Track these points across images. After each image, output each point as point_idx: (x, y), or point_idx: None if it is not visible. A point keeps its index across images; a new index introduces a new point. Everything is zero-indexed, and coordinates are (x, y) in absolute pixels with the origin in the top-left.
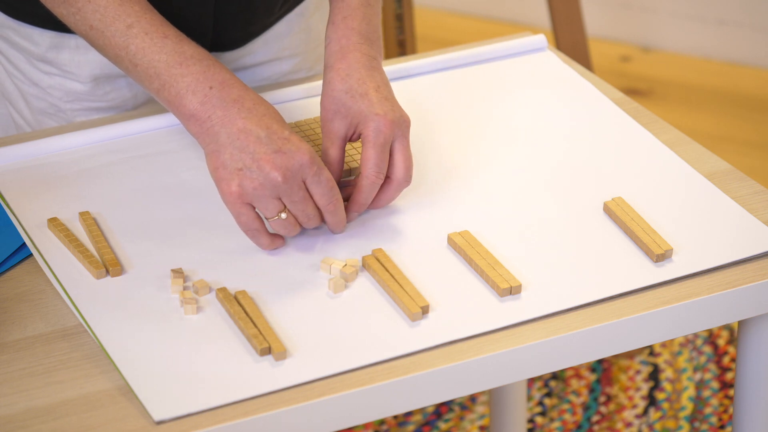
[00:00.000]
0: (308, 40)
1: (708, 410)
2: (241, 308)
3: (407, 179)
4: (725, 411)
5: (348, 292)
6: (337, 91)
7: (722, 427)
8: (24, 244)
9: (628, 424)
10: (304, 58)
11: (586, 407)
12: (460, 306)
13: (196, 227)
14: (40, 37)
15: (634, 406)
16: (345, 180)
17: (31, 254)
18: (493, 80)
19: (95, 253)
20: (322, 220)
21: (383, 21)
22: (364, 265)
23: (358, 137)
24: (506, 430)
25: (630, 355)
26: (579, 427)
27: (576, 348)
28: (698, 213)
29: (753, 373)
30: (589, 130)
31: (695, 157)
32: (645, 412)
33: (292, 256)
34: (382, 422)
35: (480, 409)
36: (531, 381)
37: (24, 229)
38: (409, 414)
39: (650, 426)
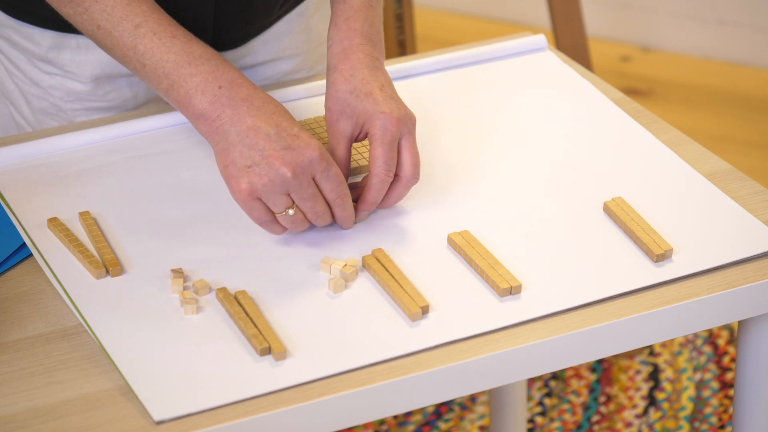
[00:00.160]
0: (308, 40)
1: (708, 410)
2: (241, 308)
3: (415, 176)
4: (725, 411)
5: (348, 292)
6: (342, 92)
7: (722, 427)
8: (24, 244)
9: (628, 424)
10: (304, 58)
11: (586, 407)
12: (460, 306)
13: (197, 227)
14: (41, 37)
15: (634, 406)
16: (353, 182)
17: (31, 254)
18: (493, 80)
19: (95, 253)
20: (332, 218)
21: (383, 21)
22: (364, 265)
23: (365, 136)
24: (506, 430)
25: (630, 355)
26: (579, 427)
27: (576, 348)
28: (698, 213)
29: (753, 373)
30: (589, 130)
31: (695, 157)
32: (645, 412)
33: (292, 256)
34: (382, 422)
35: (480, 409)
36: (531, 381)
37: (24, 229)
38: (409, 414)
39: (650, 426)
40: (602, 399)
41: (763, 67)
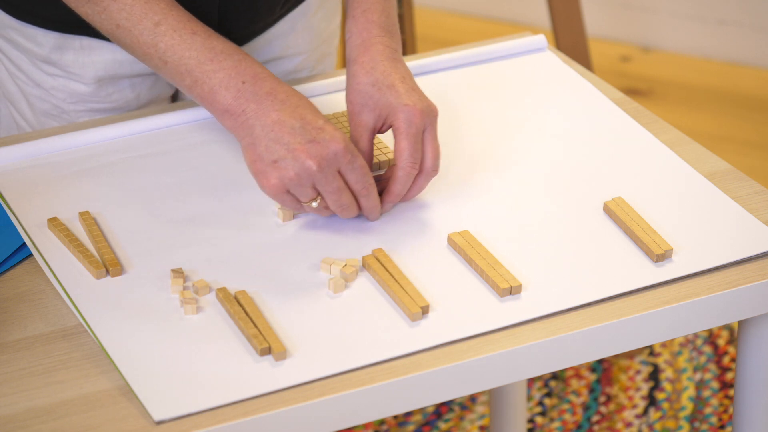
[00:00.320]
0: (311, 39)
1: (708, 410)
2: (241, 308)
3: (435, 169)
4: (725, 411)
5: (348, 292)
6: (363, 84)
7: (722, 427)
8: (24, 244)
9: (628, 424)
10: (306, 56)
11: (586, 407)
12: (460, 306)
13: (197, 227)
14: (44, 38)
15: (634, 406)
16: (376, 174)
17: (31, 254)
18: (493, 80)
19: (95, 253)
20: (358, 211)
21: None
22: (364, 265)
23: (387, 128)
24: (506, 430)
25: (630, 355)
26: (579, 427)
27: (576, 348)
28: (698, 213)
29: (753, 373)
30: (589, 130)
31: (695, 157)
32: (645, 412)
33: (292, 256)
34: (382, 422)
35: (480, 409)
36: (531, 381)
37: (24, 229)
38: (409, 414)
39: (650, 426)
40: (602, 399)
41: (763, 67)
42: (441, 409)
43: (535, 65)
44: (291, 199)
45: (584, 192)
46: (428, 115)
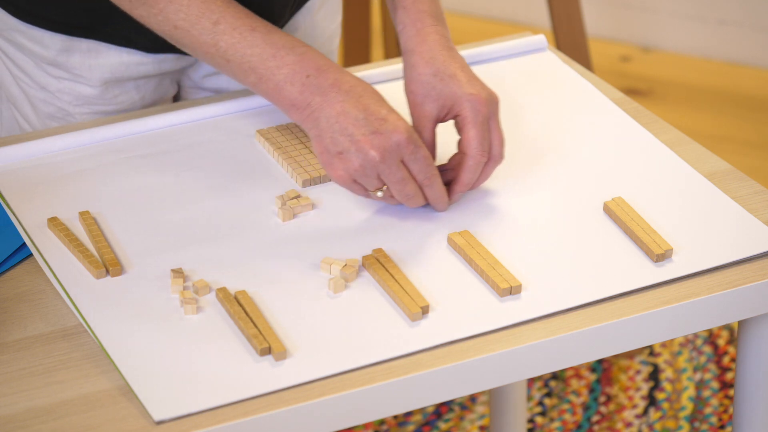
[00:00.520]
0: (314, 36)
1: (708, 410)
2: (241, 308)
3: (501, 156)
4: (725, 411)
5: (348, 292)
6: (425, 75)
7: (722, 427)
8: (24, 244)
9: (628, 424)
10: None
11: (586, 407)
12: (460, 306)
13: (197, 227)
14: (51, 41)
15: (634, 406)
16: (441, 164)
17: (31, 254)
18: (493, 80)
19: (95, 253)
20: (425, 200)
21: (383, 21)
22: (364, 265)
23: (451, 118)
24: (506, 430)
25: (630, 355)
26: (579, 427)
27: (576, 348)
28: (698, 213)
29: (753, 373)
30: (589, 130)
31: (695, 157)
32: (645, 412)
33: (292, 256)
34: (382, 422)
35: (480, 409)
36: (531, 381)
37: (24, 229)
38: (409, 414)
39: (650, 426)
40: (602, 399)
41: (763, 67)
42: (441, 409)
43: (535, 65)
44: (359, 188)
45: (584, 192)
46: (492, 103)
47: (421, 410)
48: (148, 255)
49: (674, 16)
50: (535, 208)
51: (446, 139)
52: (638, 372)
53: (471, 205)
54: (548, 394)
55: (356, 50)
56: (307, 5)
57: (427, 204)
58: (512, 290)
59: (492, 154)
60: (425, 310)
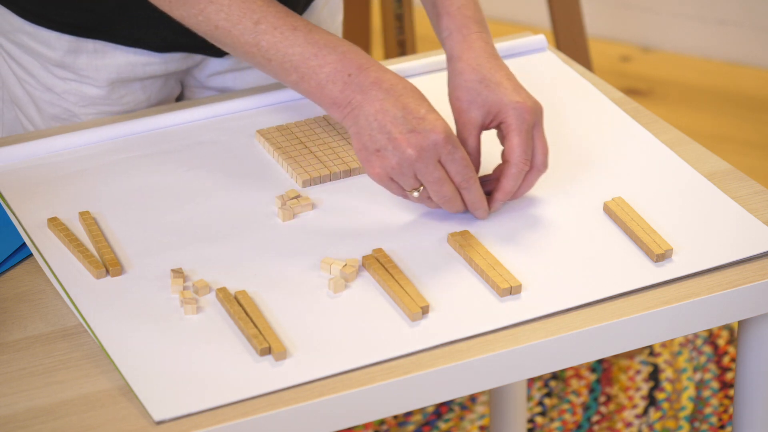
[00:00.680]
0: None
1: (708, 410)
2: (241, 308)
3: (545, 165)
4: (725, 411)
5: (348, 292)
6: (471, 82)
7: (722, 427)
8: (24, 244)
9: (628, 424)
10: None
11: (586, 407)
12: (460, 306)
13: (197, 227)
14: (58, 42)
15: (634, 406)
16: (484, 174)
17: (31, 254)
18: None
19: (95, 253)
20: (464, 206)
21: (383, 21)
22: (364, 265)
23: (495, 126)
24: (506, 430)
25: (630, 355)
26: (579, 427)
27: (576, 348)
28: (698, 213)
29: (753, 373)
30: (589, 130)
31: (695, 157)
32: (645, 412)
33: (292, 256)
34: (382, 422)
35: (480, 409)
36: (531, 381)
37: (24, 229)
38: (409, 414)
39: (650, 426)
40: (602, 399)
41: (763, 67)
42: (441, 409)
43: (535, 65)
44: (396, 187)
45: (584, 192)
46: (537, 112)
47: (421, 410)
48: (148, 255)
49: (674, 16)
50: (535, 208)
51: (490, 149)
52: (638, 372)
53: None
54: (548, 394)
55: None
56: (313, 4)
57: (465, 211)
58: (512, 290)
59: (535, 163)
60: (425, 310)
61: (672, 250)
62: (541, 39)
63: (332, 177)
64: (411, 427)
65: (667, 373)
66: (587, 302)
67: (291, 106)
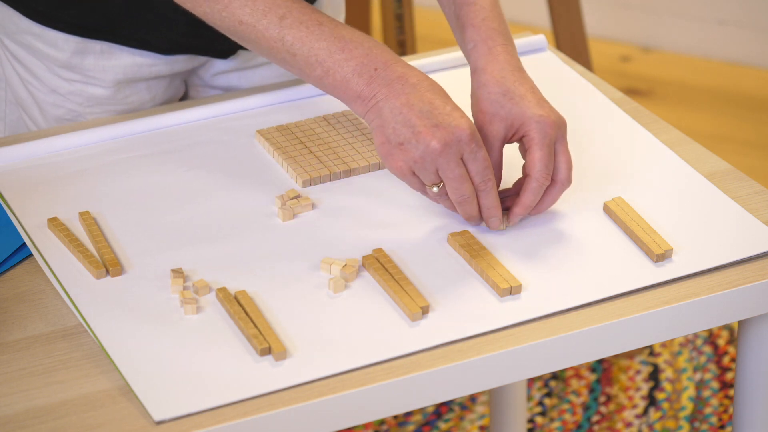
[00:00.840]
0: None
1: (708, 410)
2: (241, 308)
3: (569, 180)
4: (725, 411)
5: (348, 292)
6: (495, 94)
7: (722, 427)
8: (24, 244)
9: (628, 424)
10: None
11: (586, 407)
12: (460, 306)
13: (197, 227)
14: (65, 43)
15: (634, 406)
16: (503, 189)
17: (31, 254)
18: None
19: (95, 253)
20: (478, 212)
21: (383, 21)
22: (364, 265)
23: (518, 139)
24: (506, 430)
25: (630, 355)
26: (579, 427)
27: (576, 348)
28: (698, 213)
29: (753, 373)
30: (589, 131)
31: (695, 157)
32: (645, 412)
33: (292, 256)
34: (382, 422)
35: (480, 409)
36: (531, 381)
37: (24, 229)
38: (409, 414)
39: (650, 426)
40: (602, 399)
41: (763, 67)
42: (441, 409)
43: (535, 65)
44: (417, 182)
45: (584, 192)
46: (560, 126)
47: (421, 410)
48: (148, 255)
49: (674, 16)
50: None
51: (513, 162)
52: (638, 372)
53: None
54: (548, 394)
55: None
56: (316, 3)
57: (480, 222)
58: (512, 290)
59: (559, 178)
60: (425, 310)
61: (672, 250)
62: (541, 39)
63: (332, 177)
64: (411, 427)
65: (667, 373)
66: (587, 302)
67: (291, 106)
